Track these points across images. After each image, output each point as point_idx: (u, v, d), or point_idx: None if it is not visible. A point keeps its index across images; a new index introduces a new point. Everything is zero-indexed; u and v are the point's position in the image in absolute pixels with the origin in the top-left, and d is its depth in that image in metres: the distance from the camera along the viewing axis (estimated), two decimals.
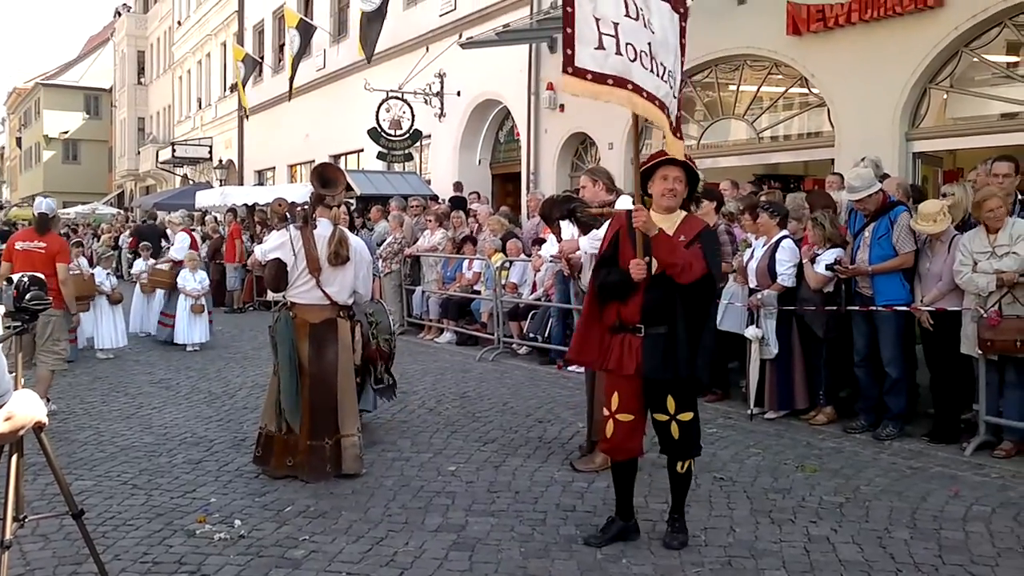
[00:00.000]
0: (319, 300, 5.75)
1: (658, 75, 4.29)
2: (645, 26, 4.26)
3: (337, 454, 5.62)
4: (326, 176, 6.01)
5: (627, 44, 4.18)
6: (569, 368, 9.14)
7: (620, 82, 4.18)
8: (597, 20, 4.12)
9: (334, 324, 5.78)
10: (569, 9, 4.10)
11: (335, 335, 5.77)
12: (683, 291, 4.25)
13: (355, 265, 5.86)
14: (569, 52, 4.09)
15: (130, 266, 16.76)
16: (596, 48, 4.12)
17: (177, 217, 14.16)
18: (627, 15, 4.20)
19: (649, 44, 4.27)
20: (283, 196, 16.02)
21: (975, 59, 9.76)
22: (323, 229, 5.81)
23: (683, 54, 4.56)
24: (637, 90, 4.22)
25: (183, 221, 13.98)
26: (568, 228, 6.30)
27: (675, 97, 4.41)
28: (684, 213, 4.48)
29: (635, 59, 4.20)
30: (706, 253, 4.31)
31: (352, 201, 16.09)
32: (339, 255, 5.72)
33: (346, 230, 6.00)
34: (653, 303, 4.29)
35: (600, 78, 4.15)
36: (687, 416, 4.38)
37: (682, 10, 4.51)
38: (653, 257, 4.25)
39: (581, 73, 4.12)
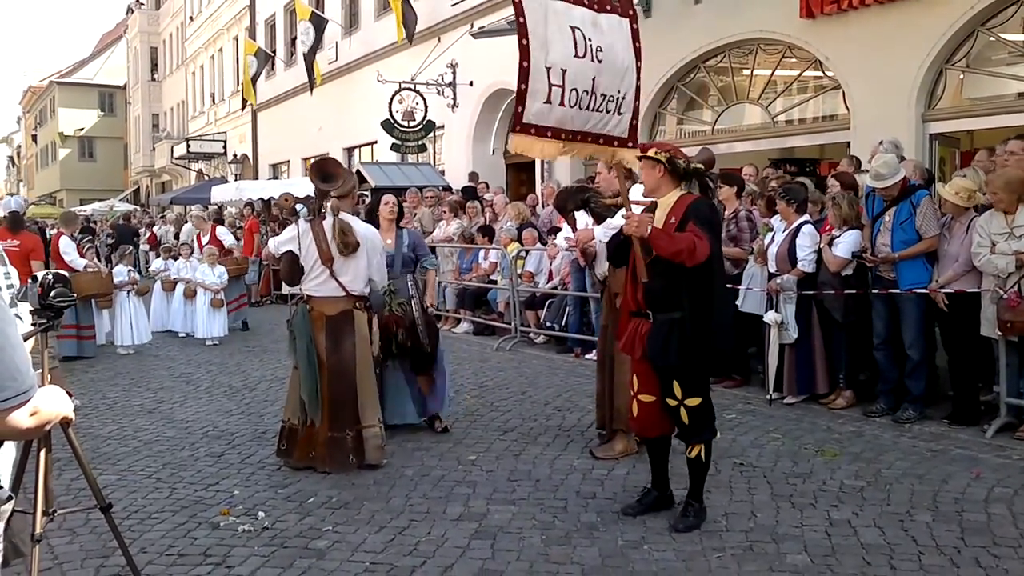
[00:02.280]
0: (334, 291, 5.78)
1: (596, 108, 4.50)
2: (593, 60, 4.42)
3: (359, 445, 5.65)
4: (326, 171, 6.00)
5: (572, 90, 4.35)
6: (586, 356, 9.15)
7: (556, 133, 4.39)
8: (548, 70, 4.25)
9: (350, 315, 5.80)
10: (525, 64, 4.18)
11: (352, 326, 5.79)
12: (689, 275, 4.30)
13: (367, 252, 5.87)
14: (520, 110, 4.23)
15: (147, 263, 16.92)
16: (544, 102, 4.28)
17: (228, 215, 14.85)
18: (576, 55, 4.35)
19: (593, 80, 4.45)
20: (289, 192, 16.13)
21: (991, 38, 9.66)
22: (331, 220, 5.83)
23: (639, 58, 4.73)
24: (572, 136, 4.45)
25: (232, 219, 14.56)
26: (583, 218, 6.32)
27: (620, 112, 4.63)
28: (679, 194, 4.53)
29: (575, 104, 4.39)
30: (700, 227, 4.33)
31: (367, 194, 16.14)
32: (347, 244, 5.74)
33: (349, 217, 5.92)
34: (657, 290, 4.41)
35: (541, 131, 4.33)
36: (694, 401, 4.45)
37: (631, 13, 4.70)
38: (655, 253, 4.30)
39: (526, 129, 4.28)
